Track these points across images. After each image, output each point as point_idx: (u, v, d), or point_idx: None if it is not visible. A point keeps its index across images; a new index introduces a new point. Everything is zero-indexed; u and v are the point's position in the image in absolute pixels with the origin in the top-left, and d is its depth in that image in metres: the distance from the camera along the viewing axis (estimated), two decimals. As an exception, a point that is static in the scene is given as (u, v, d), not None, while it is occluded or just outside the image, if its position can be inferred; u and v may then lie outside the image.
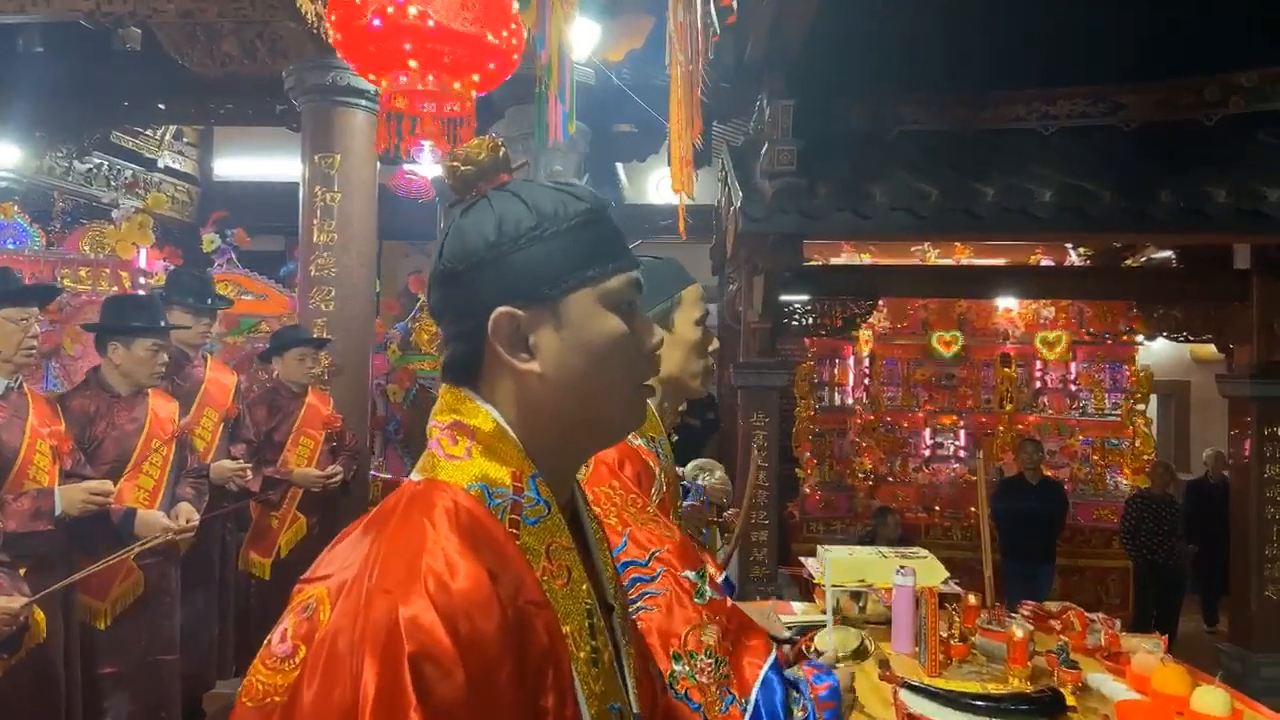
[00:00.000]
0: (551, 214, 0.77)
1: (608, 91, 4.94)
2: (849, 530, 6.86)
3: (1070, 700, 1.70)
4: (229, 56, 3.95)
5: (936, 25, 6.84)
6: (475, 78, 2.14)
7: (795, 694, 1.18)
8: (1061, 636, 2.12)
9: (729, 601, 1.22)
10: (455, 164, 0.81)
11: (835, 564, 2.33)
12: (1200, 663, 5.77)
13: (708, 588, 1.18)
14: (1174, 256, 6.52)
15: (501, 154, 0.82)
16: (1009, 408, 7.39)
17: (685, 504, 2.45)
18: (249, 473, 3.52)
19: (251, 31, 3.91)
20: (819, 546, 2.51)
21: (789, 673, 1.23)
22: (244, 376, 4.24)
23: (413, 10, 1.95)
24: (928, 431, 7.59)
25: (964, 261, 7.05)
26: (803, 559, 2.65)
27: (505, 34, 2.14)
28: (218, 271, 5.33)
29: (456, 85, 2.12)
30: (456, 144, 2.32)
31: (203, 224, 5.63)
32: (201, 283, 3.77)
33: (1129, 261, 6.99)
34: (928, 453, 7.57)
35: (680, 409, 1.74)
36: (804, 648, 1.57)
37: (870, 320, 7.27)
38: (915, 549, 2.56)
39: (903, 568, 2.08)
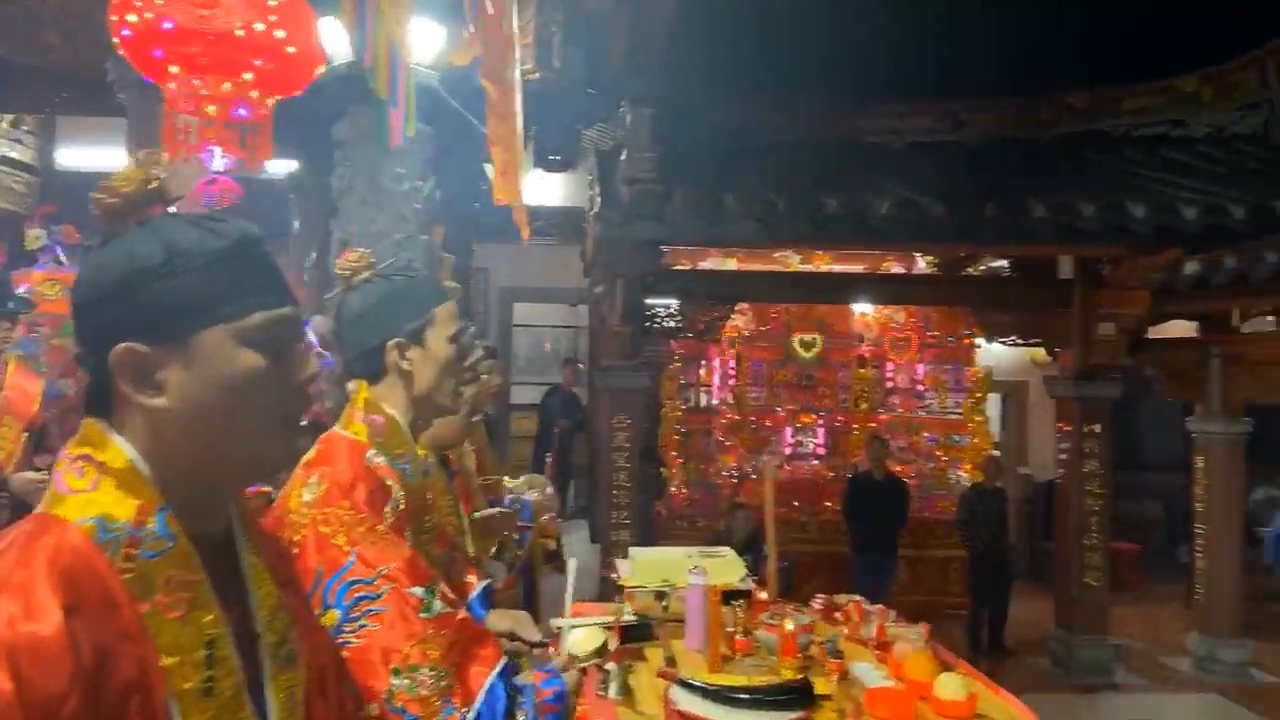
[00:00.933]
0: (185, 250, 0.79)
1: (468, 95, 4.90)
2: (715, 528, 7.05)
3: (826, 689, 1.83)
4: (51, 46, 3.74)
5: (800, 38, 7.11)
6: (247, 76, 2.10)
7: (519, 699, 1.24)
8: (842, 628, 2.27)
9: (460, 614, 1.27)
10: (101, 195, 0.82)
11: (639, 565, 2.42)
12: (1031, 646, 6.26)
13: (437, 602, 1.22)
14: (1008, 266, 6.99)
15: (152, 186, 0.83)
16: (864, 407, 7.75)
17: (487, 512, 2.49)
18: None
19: (74, 21, 3.71)
20: (631, 549, 2.59)
21: (520, 679, 1.29)
22: (71, 380, 4.00)
23: (204, 13, 1.90)
24: (789, 430, 7.88)
25: (823, 268, 7.36)
26: (616, 560, 2.73)
27: (300, 35, 2.11)
28: (43, 270, 5.00)
29: (226, 86, 2.08)
30: (254, 150, 2.29)
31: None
32: (-4, 285, 3.55)
33: (969, 270, 7.45)
34: (789, 450, 7.86)
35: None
36: (551, 650, 1.64)
37: (736, 323, 7.51)
38: (719, 549, 2.69)
39: (696, 567, 2.18)
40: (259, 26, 2.01)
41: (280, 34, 2.07)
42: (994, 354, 8.14)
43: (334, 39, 3.92)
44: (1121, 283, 5.75)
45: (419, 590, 1.23)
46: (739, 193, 5.31)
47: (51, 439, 3.55)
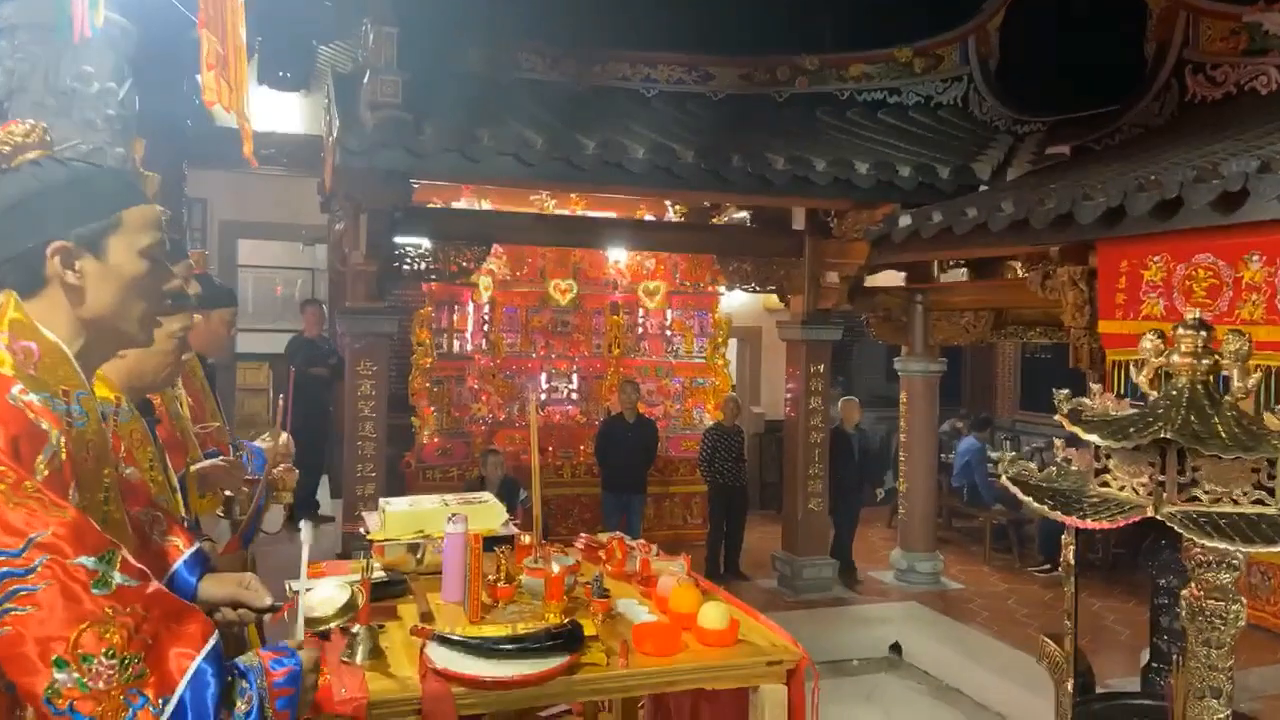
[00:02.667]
0: None
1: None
2: (468, 476, 6.88)
3: (592, 629, 1.78)
4: None
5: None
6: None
7: (243, 684, 1.04)
8: (606, 566, 2.25)
9: (152, 586, 1.03)
10: None
11: (390, 517, 2.23)
12: (762, 569, 6.81)
13: (116, 574, 0.98)
14: (749, 217, 7.37)
15: None
16: (616, 352, 7.89)
17: (205, 463, 2.17)
18: None
19: None
20: (381, 500, 2.39)
21: (243, 659, 1.08)
22: None
23: None
24: (544, 376, 7.84)
25: (577, 214, 7.31)
26: (363, 514, 2.51)
27: None
28: None
29: None
30: None
31: None
32: None
33: (714, 220, 7.77)
34: (544, 396, 7.83)
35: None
36: (285, 613, 1.43)
37: (490, 268, 7.28)
38: (480, 494, 2.56)
39: (455, 515, 2.04)
40: None
41: None
42: (734, 302, 8.62)
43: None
44: (845, 234, 6.25)
45: (88, 560, 0.97)
46: (494, 129, 5.07)
47: None
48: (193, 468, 2.11)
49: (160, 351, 1.68)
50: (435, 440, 7.33)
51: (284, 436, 2.49)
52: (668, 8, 7.99)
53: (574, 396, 7.88)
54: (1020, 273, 6.15)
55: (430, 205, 6.89)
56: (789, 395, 6.78)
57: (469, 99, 5.62)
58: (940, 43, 7.09)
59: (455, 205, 7.25)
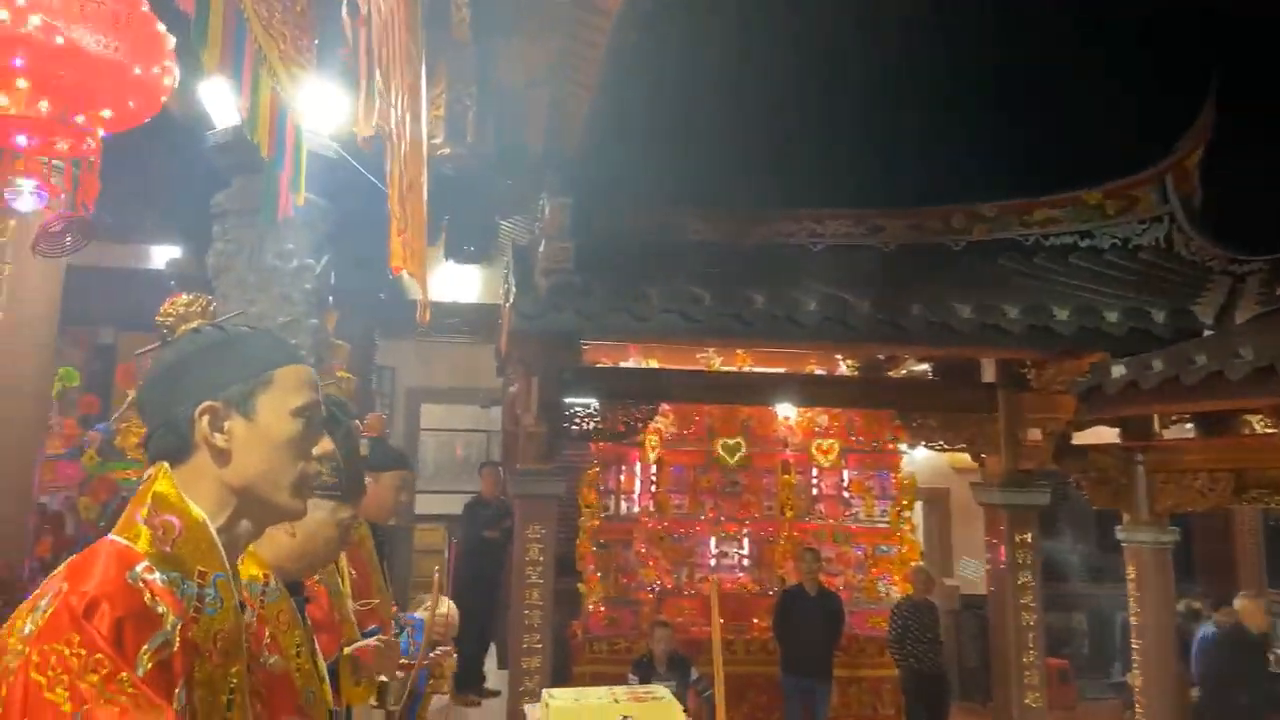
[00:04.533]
0: None
1: (373, 170, 4.56)
2: (636, 649, 6.49)
3: None
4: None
5: (720, 144, 7.14)
6: (106, 114, 1.70)
7: None
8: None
9: None
10: None
11: (556, 713, 1.94)
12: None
13: None
14: (930, 369, 6.92)
15: None
16: (789, 515, 7.42)
17: (358, 644, 1.98)
18: None
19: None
20: (545, 691, 2.12)
21: None
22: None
23: (34, 19, 1.51)
24: (713, 540, 7.46)
25: (745, 369, 7.14)
26: (527, 707, 2.24)
27: (157, 71, 1.73)
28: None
29: (80, 119, 1.67)
30: (77, 189, 1.86)
31: None
32: None
33: (891, 373, 7.36)
34: (713, 562, 7.41)
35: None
36: None
37: (657, 426, 7.16)
38: (654, 688, 2.23)
39: (626, 717, 1.73)
40: (118, 50, 1.62)
41: (143, 67, 1.68)
42: (915, 460, 8.01)
43: (218, 103, 3.55)
44: (1046, 386, 5.68)
45: None
46: (661, 287, 5.06)
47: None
48: (346, 650, 1.94)
49: (325, 539, 1.58)
50: (602, 609, 7.03)
51: (445, 605, 2.30)
52: (830, 165, 8.02)
53: (745, 563, 7.41)
54: (1259, 427, 5.34)
55: (599, 365, 6.95)
56: (989, 567, 6.04)
57: (636, 261, 5.70)
58: (1133, 183, 6.64)
59: (623, 365, 7.27)
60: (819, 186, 7.71)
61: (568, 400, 5.78)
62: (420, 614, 2.42)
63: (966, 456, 6.77)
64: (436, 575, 2.21)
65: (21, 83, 1.62)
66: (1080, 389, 5.24)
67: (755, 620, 6.91)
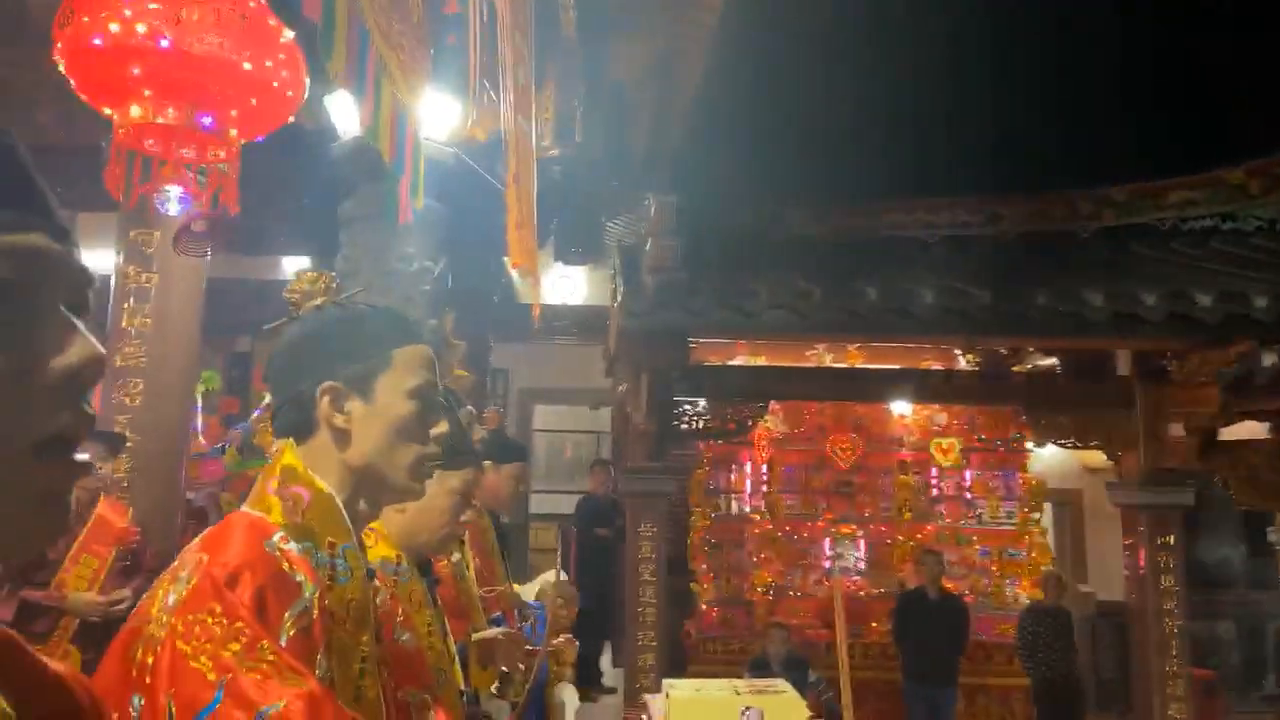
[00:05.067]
0: None
1: (486, 181, 4.68)
2: (749, 650, 6.42)
3: None
4: (44, 128, 3.56)
5: (824, 134, 7.00)
6: (233, 114, 1.80)
7: None
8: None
9: None
10: None
11: (677, 705, 1.93)
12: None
13: None
14: (1057, 364, 6.56)
15: None
16: (907, 516, 7.19)
17: (487, 632, 2.02)
18: (-10, 596, 2.93)
19: (72, 100, 3.53)
20: (665, 681, 2.10)
21: None
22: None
23: (142, 28, 1.62)
24: (827, 541, 7.30)
25: (857, 366, 6.96)
26: (647, 697, 2.23)
27: (271, 65, 1.82)
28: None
29: (206, 120, 1.77)
30: (218, 194, 1.97)
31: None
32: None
33: (1015, 369, 7.02)
34: (828, 564, 7.25)
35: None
36: None
37: (768, 425, 7.07)
38: (774, 681, 2.19)
39: (749, 709, 1.70)
40: (225, 47, 1.71)
41: (258, 65, 1.78)
42: (1043, 459, 7.61)
43: (343, 114, 3.71)
44: (1189, 379, 5.30)
45: None
46: (770, 282, 4.99)
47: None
48: (474, 636, 1.98)
49: (439, 509, 1.60)
50: (715, 609, 6.98)
51: (567, 592, 2.32)
52: (943, 152, 7.72)
53: (861, 565, 7.21)
54: None
55: (706, 364, 6.91)
56: (1127, 573, 5.67)
57: (743, 258, 5.64)
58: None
59: (730, 364, 7.21)
60: (931, 175, 7.44)
61: (676, 399, 5.78)
62: (543, 580, 2.45)
63: (1100, 455, 6.39)
64: (556, 564, 2.24)
65: (146, 91, 1.73)
66: (1227, 380, 4.88)
67: (874, 624, 6.71)
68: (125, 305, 3.71)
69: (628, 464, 5.96)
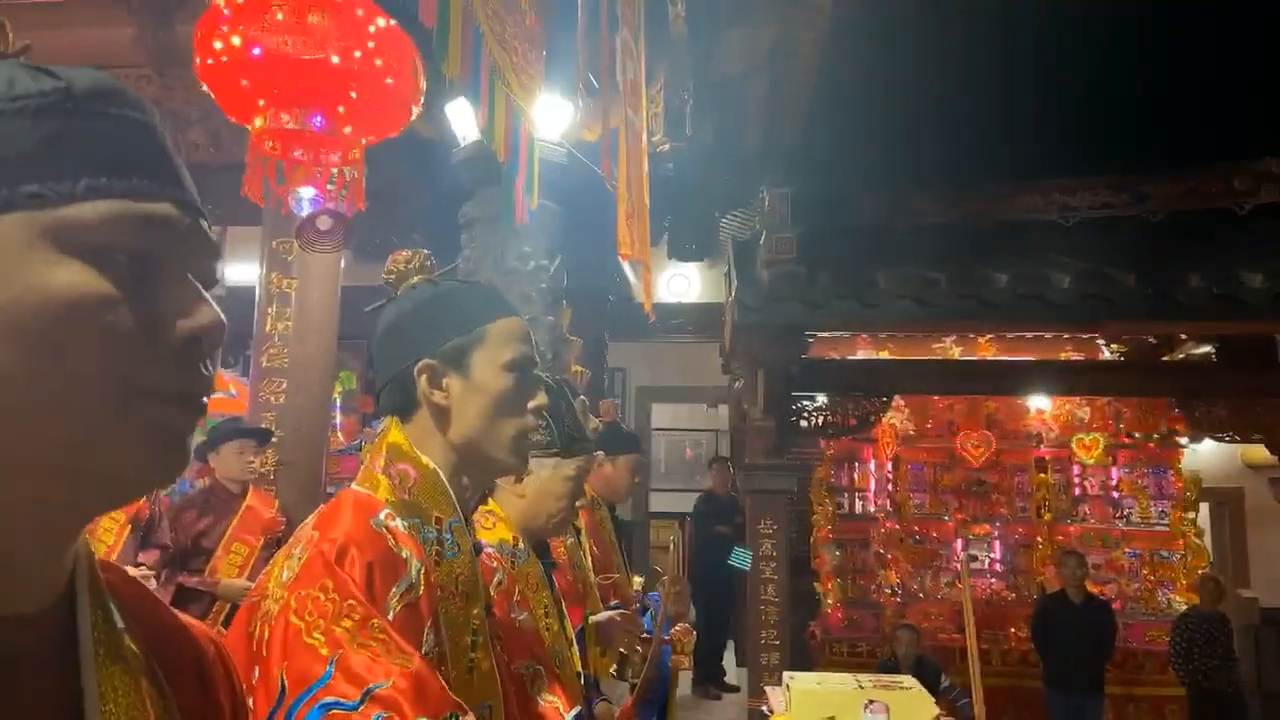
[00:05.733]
0: None
1: (600, 181, 4.75)
2: (877, 652, 6.23)
3: None
4: (195, 145, 3.86)
5: (946, 117, 6.70)
6: (357, 118, 1.89)
7: None
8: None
9: None
10: None
11: (799, 696, 1.89)
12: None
13: None
14: (1213, 352, 6.05)
15: None
16: (1047, 517, 6.79)
17: (603, 614, 2.03)
18: (153, 582, 3.16)
19: (217, 118, 3.81)
20: (785, 674, 2.06)
21: None
22: (205, 480, 3.96)
23: (277, 41, 1.72)
24: (959, 543, 6.99)
25: (989, 359, 6.64)
26: (766, 688, 2.19)
27: (392, 71, 1.90)
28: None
29: (333, 125, 1.87)
30: (344, 196, 2.07)
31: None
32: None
33: (1167, 357, 6.53)
34: (960, 566, 6.94)
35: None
36: None
37: (892, 421, 6.84)
38: (898, 677, 2.10)
39: (872, 702, 1.64)
40: (355, 54, 1.80)
41: (377, 63, 1.86)
42: (1199, 455, 7.04)
43: (461, 121, 3.83)
44: (1369, 364, 4.79)
45: None
46: (892, 272, 4.83)
47: (160, 534, 3.45)
48: (590, 619, 2.00)
49: (555, 494, 1.63)
50: (840, 610, 6.81)
51: (681, 586, 2.31)
52: (1081, 131, 7.25)
53: (997, 568, 6.87)
54: None
55: (825, 359, 6.76)
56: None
57: (861, 248, 5.48)
58: None
59: (851, 358, 7.02)
60: (1068, 152, 7.01)
61: (794, 395, 5.68)
62: (655, 593, 2.45)
63: (1263, 450, 5.86)
64: (671, 549, 2.23)
65: (273, 100, 1.84)
66: None
67: (1012, 629, 6.38)
68: (269, 310, 3.97)
69: (746, 461, 5.90)
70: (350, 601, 0.86)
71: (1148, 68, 6.88)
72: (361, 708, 0.79)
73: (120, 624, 0.52)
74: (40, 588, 0.49)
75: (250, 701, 0.76)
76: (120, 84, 0.51)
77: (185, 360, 0.50)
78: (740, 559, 4.59)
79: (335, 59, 1.80)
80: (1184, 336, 6.25)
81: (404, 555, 0.94)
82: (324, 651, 0.83)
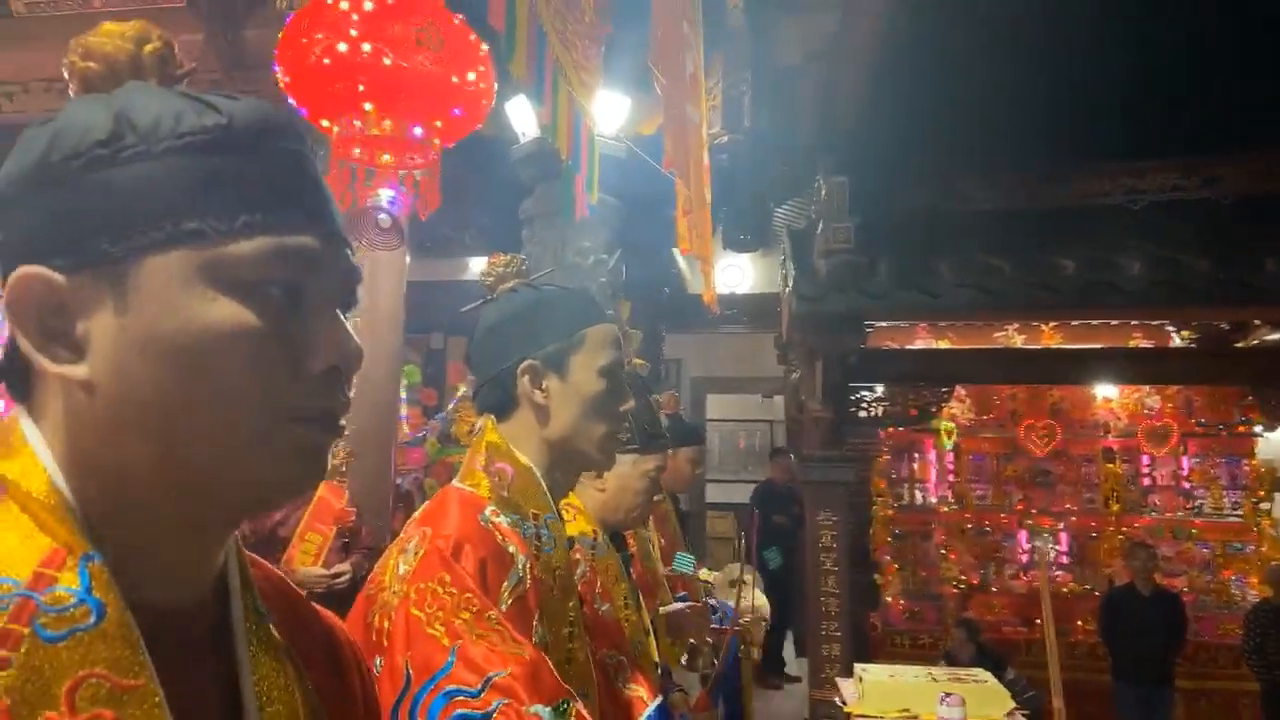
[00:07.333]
0: (149, 129, 0.49)
1: (656, 175, 4.77)
2: (939, 645, 6.18)
3: None
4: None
5: (1006, 100, 6.55)
6: (438, 124, 1.95)
7: None
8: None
9: None
10: (73, 58, 0.55)
11: (870, 687, 1.90)
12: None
13: None
14: (1292, 336, 5.83)
15: (150, 49, 0.55)
16: (1115, 508, 6.64)
17: (674, 606, 2.06)
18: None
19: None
20: (856, 666, 2.07)
21: None
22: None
23: (366, 47, 1.79)
24: (1023, 535, 6.87)
25: (1052, 347, 6.49)
26: (838, 680, 2.20)
27: (473, 77, 1.96)
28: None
29: (418, 130, 1.93)
30: (419, 198, 2.13)
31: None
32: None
33: (1240, 344, 6.31)
34: (1024, 558, 6.83)
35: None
36: None
37: (953, 411, 6.74)
38: (975, 670, 2.10)
39: (948, 695, 1.65)
40: (469, 76, 1.87)
41: (462, 79, 1.92)
42: (1274, 444, 6.80)
43: (520, 118, 3.88)
44: None
45: (544, 711, 0.84)
46: (953, 260, 4.76)
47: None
48: (661, 610, 2.04)
49: (635, 489, 1.67)
50: (901, 602, 6.76)
51: (752, 576, 2.34)
52: (1150, 111, 7.03)
53: (1064, 560, 6.74)
54: None
55: (884, 348, 6.68)
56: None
57: (920, 237, 5.41)
58: None
59: (910, 347, 6.93)
60: (1136, 134, 6.80)
61: (853, 385, 5.63)
62: (719, 575, 2.48)
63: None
64: (742, 541, 2.25)
65: (368, 105, 1.91)
66: None
67: (1079, 622, 6.26)
68: (340, 306, 4.06)
69: (804, 452, 5.88)
70: (467, 595, 0.91)
71: (1217, 45, 6.64)
72: (483, 695, 0.84)
73: (255, 614, 0.57)
74: (197, 584, 0.53)
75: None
76: (277, 113, 0.55)
77: (326, 386, 0.53)
78: (772, 557, 4.60)
79: (454, 79, 1.86)
80: (1258, 322, 6.04)
81: (510, 550, 0.99)
82: (445, 642, 0.88)
